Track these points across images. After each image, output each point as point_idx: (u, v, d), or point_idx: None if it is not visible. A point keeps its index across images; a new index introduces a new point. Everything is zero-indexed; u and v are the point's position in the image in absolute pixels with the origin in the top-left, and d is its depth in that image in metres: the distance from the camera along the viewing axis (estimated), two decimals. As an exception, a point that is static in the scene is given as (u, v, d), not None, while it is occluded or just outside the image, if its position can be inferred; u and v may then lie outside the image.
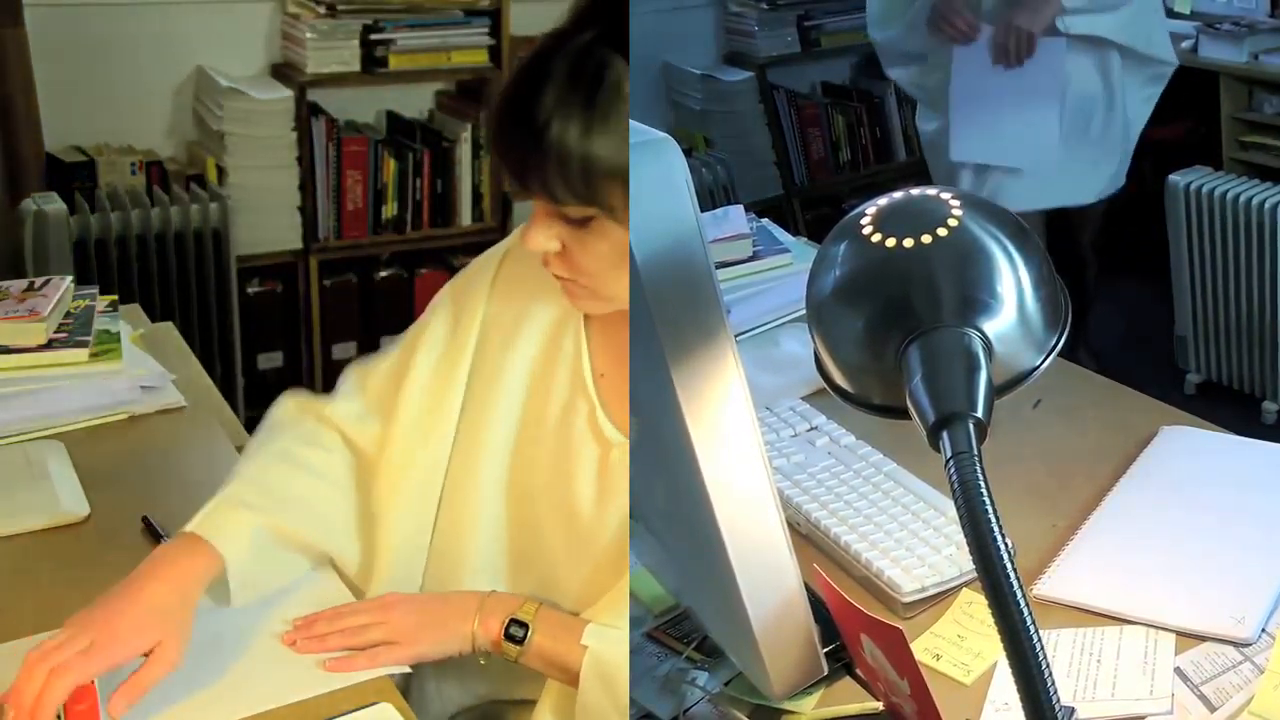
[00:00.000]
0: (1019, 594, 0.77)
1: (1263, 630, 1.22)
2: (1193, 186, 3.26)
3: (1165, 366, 3.53)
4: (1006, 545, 0.79)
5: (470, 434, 1.35)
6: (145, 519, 1.49)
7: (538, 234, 1.16)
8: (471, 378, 1.36)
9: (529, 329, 1.34)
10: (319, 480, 1.38)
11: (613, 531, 1.28)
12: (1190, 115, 4.02)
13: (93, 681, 1.15)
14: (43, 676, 1.11)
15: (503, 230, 3.81)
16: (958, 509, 0.80)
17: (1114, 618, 1.27)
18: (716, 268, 0.95)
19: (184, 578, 1.23)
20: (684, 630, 1.31)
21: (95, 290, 1.95)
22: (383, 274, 3.73)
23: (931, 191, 0.96)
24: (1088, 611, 1.28)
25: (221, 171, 3.43)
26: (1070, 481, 1.51)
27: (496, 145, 1.14)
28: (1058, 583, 1.32)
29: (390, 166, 3.65)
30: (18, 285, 1.88)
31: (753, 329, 1.95)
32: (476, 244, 3.86)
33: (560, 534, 1.32)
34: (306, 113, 3.49)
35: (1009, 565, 0.78)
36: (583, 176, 1.09)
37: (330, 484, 1.39)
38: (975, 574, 0.80)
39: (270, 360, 3.60)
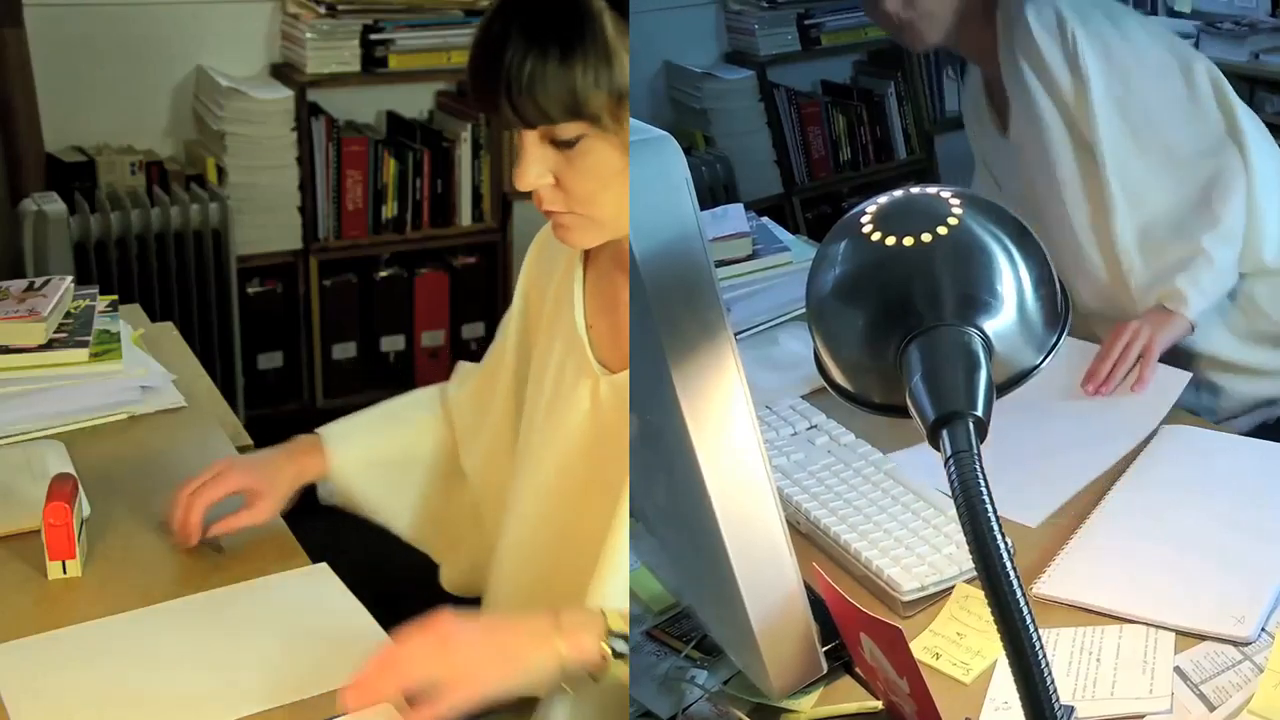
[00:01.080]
0: (1019, 593, 0.77)
1: (1262, 629, 1.22)
2: (1192, 185, 3.25)
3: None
4: (1006, 544, 0.79)
5: (525, 401, 1.47)
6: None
7: (528, 169, 1.20)
8: (520, 346, 1.50)
9: (552, 292, 1.42)
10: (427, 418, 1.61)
11: (607, 468, 1.30)
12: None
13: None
14: (185, 499, 1.46)
15: (503, 230, 3.81)
16: (957, 507, 0.80)
17: (1114, 617, 1.27)
18: (716, 266, 0.95)
19: (299, 464, 1.53)
20: (683, 628, 1.31)
21: (95, 290, 1.95)
22: (383, 274, 3.72)
23: (931, 190, 0.96)
24: (1087, 610, 1.28)
25: (221, 171, 3.43)
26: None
27: (478, 84, 1.17)
28: (1057, 582, 1.32)
29: (390, 166, 3.65)
30: (18, 285, 1.88)
31: (753, 327, 1.95)
32: (476, 244, 3.88)
33: (560, 476, 1.37)
34: (306, 113, 3.49)
35: (1009, 564, 0.78)
36: (569, 92, 1.13)
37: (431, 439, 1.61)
38: (975, 572, 0.80)
39: (270, 360, 3.60)
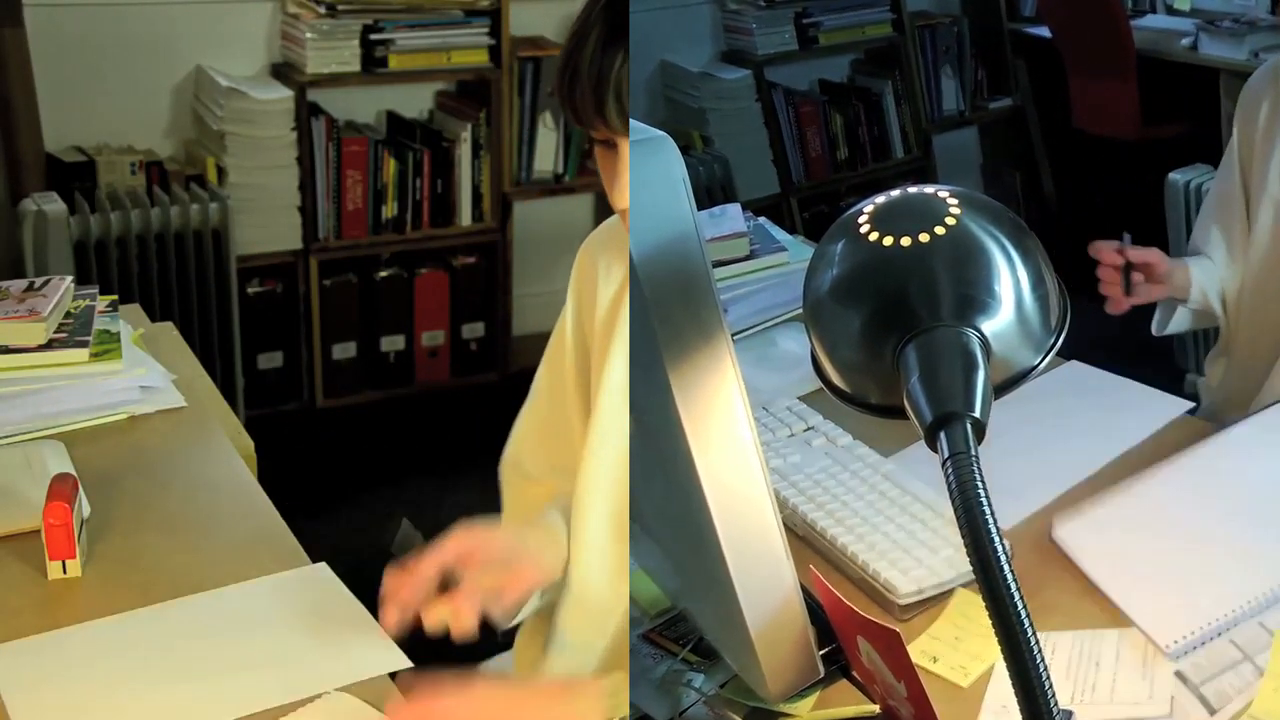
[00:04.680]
0: (1016, 596, 0.77)
1: (1259, 625, 1.22)
2: (1193, 185, 3.25)
3: (1165, 366, 3.52)
4: (1004, 547, 0.79)
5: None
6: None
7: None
8: (579, 356, 1.41)
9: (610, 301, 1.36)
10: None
11: None
12: (1190, 114, 4.01)
13: None
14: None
15: (503, 230, 3.81)
16: (955, 510, 0.80)
17: (1109, 605, 1.26)
18: (714, 266, 0.94)
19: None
20: (680, 632, 1.31)
21: (95, 290, 1.95)
22: (383, 274, 3.72)
23: (929, 190, 0.95)
24: (1084, 577, 1.29)
25: (221, 171, 3.43)
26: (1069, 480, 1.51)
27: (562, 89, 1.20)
28: (1077, 530, 1.33)
29: (390, 166, 3.65)
30: (18, 285, 1.88)
31: (749, 328, 1.95)
32: (477, 244, 3.89)
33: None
34: (306, 113, 3.49)
35: (1006, 567, 0.78)
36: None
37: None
38: (972, 576, 0.79)
39: (270, 360, 3.60)
